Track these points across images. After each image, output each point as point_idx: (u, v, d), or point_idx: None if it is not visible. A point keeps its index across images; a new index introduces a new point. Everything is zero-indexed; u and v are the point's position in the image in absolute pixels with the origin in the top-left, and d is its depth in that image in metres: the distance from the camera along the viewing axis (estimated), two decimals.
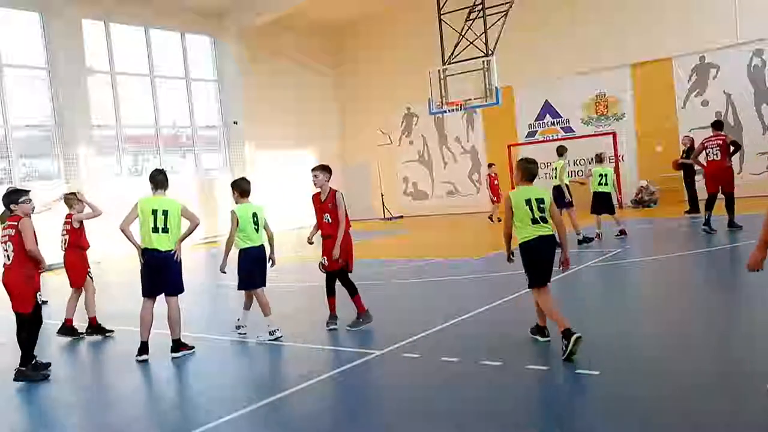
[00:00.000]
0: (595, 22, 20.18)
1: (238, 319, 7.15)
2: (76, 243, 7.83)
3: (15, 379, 6.04)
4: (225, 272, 6.95)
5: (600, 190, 11.84)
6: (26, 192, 6.46)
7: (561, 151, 12.50)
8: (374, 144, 25.67)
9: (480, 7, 17.37)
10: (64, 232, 7.88)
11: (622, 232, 11.96)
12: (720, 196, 11.52)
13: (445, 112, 18.27)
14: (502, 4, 17.43)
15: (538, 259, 5.45)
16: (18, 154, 17.23)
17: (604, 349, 5.39)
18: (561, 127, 21.42)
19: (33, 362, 6.21)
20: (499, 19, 17.28)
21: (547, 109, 21.71)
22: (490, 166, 19.22)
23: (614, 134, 19.84)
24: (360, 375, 5.28)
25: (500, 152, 21.93)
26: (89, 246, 8.07)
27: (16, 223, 6.09)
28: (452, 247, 14.04)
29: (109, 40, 19.44)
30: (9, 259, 6.13)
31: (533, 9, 20.42)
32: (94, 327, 7.81)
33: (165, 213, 6.38)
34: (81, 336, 7.80)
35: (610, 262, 9.66)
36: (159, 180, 6.56)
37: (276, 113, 23.38)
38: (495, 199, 18.33)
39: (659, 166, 19.30)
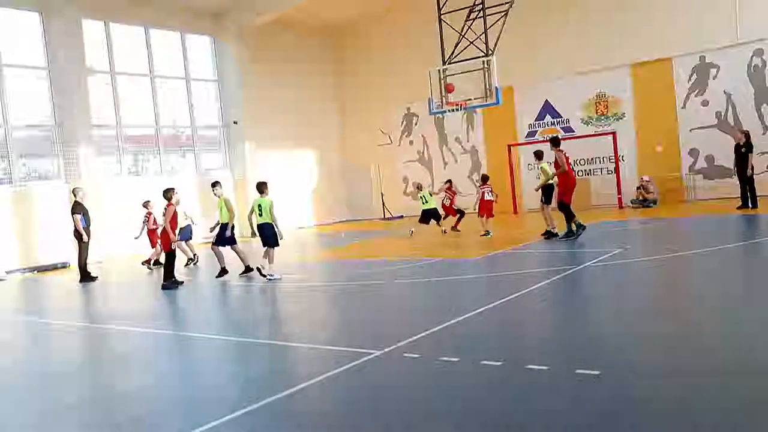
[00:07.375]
0: (595, 22, 20.19)
1: None
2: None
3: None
4: None
5: (552, 182, 13.03)
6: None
7: (541, 155, 13.58)
8: (374, 144, 25.68)
9: (480, 7, 17.35)
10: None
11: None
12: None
13: (445, 112, 18.22)
14: (502, 4, 17.42)
15: None
16: (18, 154, 17.22)
17: (604, 349, 5.39)
18: (561, 127, 21.41)
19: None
20: (499, 19, 17.28)
21: (547, 109, 21.72)
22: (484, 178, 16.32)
23: (614, 134, 19.83)
24: (360, 375, 5.27)
25: (500, 152, 21.96)
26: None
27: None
28: (452, 247, 14.03)
29: (109, 40, 19.45)
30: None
31: (533, 9, 20.43)
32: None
33: (260, 206, 11.07)
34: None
35: (609, 262, 9.66)
36: (259, 189, 11.12)
37: (276, 113, 23.38)
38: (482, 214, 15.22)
39: (659, 166, 19.31)
